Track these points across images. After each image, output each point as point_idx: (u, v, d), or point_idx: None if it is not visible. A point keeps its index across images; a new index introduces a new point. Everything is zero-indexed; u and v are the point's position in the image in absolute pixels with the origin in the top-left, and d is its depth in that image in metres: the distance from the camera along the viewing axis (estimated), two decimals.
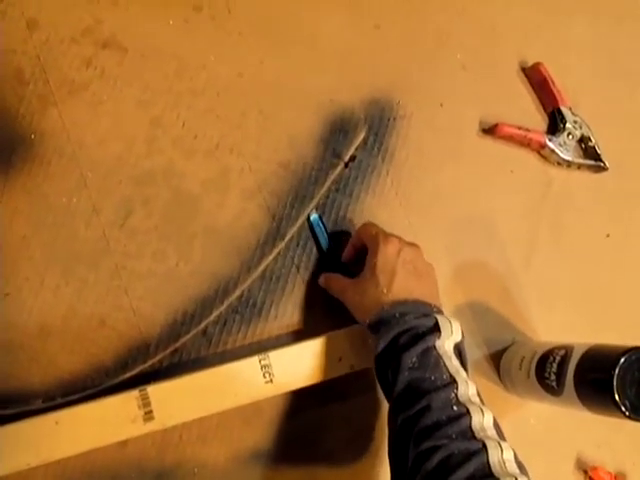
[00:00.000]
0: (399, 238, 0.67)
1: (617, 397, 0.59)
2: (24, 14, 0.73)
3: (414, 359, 0.59)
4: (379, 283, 0.64)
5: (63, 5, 0.74)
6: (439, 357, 0.59)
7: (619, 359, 0.60)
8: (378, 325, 0.63)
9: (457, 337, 0.62)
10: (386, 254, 0.65)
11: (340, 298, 0.69)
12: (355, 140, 0.76)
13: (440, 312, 0.64)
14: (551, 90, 0.81)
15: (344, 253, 0.73)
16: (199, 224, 0.73)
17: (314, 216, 0.74)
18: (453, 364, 0.60)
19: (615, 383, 0.59)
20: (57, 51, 0.73)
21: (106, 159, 0.72)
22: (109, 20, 0.74)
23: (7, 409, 0.65)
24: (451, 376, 0.58)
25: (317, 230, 0.74)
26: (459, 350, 0.63)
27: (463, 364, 0.62)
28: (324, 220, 0.74)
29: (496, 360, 0.77)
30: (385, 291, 0.63)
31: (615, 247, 0.82)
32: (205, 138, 0.74)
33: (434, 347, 0.60)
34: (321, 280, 0.73)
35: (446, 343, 0.61)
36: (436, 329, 0.61)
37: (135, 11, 0.75)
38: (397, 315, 0.62)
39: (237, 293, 0.71)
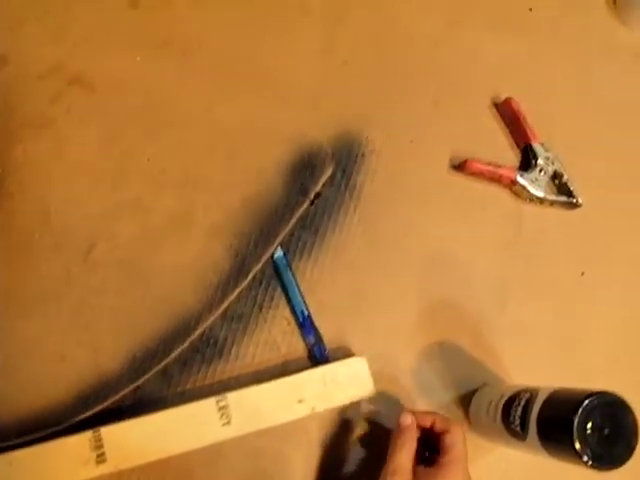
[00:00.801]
0: None
1: (578, 445, 0.57)
2: None
3: None
4: None
5: (32, 42, 0.75)
6: None
7: (580, 404, 0.58)
8: None
9: None
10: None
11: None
12: (322, 177, 0.75)
13: None
14: (522, 126, 0.80)
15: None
16: (163, 260, 0.72)
17: (278, 254, 0.73)
18: None
19: (575, 430, 0.57)
20: (24, 87, 0.74)
21: (71, 194, 0.72)
22: (77, 57, 0.75)
23: None
24: None
25: (282, 269, 0.72)
26: None
27: None
28: (289, 258, 0.73)
29: (466, 403, 0.75)
30: None
31: (591, 286, 0.80)
32: (172, 173, 0.74)
33: None
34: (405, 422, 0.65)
35: None
36: None
37: (103, 48, 0.75)
38: None
39: (198, 332, 0.70)
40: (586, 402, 0.58)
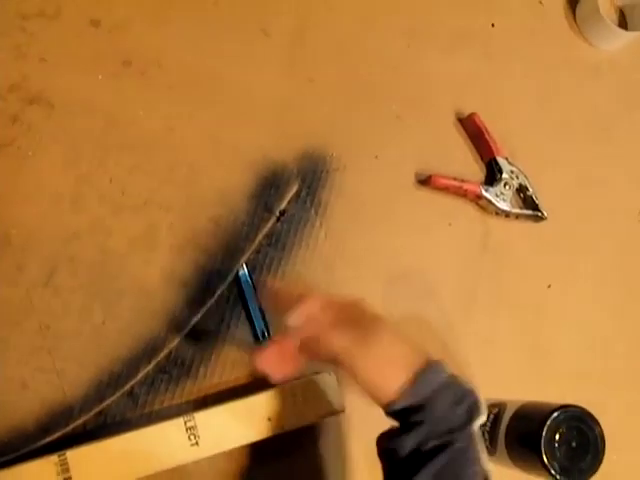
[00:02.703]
0: None
1: (545, 458, 0.57)
2: None
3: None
4: (398, 349, 0.55)
5: None
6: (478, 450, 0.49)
7: (547, 418, 0.58)
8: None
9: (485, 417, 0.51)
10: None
11: (343, 364, 0.53)
12: (287, 194, 0.75)
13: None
14: (486, 140, 0.80)
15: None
16: (126, 281, 0.71)
17: (242, 272, 0.72)
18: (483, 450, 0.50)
19: (543, 443, 0.58)
20: None
21: (31, 216, 0.71)
22: (36, 76, 0.73)
23: None
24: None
25: (245, 287, 0.72)
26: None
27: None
28: (253, 276, 0.73)
29: None
30: (411, 357, 0.53)
31: (557, 298, 0.81)
32: (133, 194, 0.73)
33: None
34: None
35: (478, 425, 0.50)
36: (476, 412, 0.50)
37: (63, 67, 0.74)
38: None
39: (165, 352, 0.69)
40: (552, 416, 0.58)
